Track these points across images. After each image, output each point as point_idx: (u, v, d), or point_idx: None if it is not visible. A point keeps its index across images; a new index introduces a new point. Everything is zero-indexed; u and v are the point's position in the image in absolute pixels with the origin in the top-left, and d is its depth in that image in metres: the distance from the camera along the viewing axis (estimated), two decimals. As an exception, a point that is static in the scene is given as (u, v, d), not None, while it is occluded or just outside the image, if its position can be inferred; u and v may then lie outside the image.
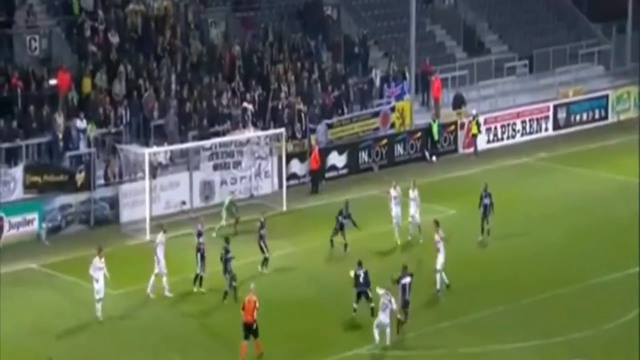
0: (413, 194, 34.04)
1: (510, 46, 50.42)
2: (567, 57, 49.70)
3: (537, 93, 48.22)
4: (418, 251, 32.93)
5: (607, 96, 48.72)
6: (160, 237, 30.14)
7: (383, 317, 26.12)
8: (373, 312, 27.46)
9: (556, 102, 47.45)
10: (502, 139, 45.78)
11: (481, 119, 44.66)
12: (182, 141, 38.06)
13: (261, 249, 31.31)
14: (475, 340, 26.90)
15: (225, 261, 29.26)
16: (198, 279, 30.09)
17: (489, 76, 48.04)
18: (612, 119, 48.52)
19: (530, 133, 46.49)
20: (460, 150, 44.66)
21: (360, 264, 28.18)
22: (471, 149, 44.49)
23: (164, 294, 29.91)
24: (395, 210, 33.77)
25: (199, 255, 29.91)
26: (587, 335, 27.13)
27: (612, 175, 40.76)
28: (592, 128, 47.59)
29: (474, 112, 44.70)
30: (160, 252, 29.82)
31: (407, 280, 27.32)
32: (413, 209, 33.79)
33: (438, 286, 29.76)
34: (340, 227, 33.00)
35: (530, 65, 49.48)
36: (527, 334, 27.19)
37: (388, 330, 26.11)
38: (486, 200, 33.60)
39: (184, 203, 36.38)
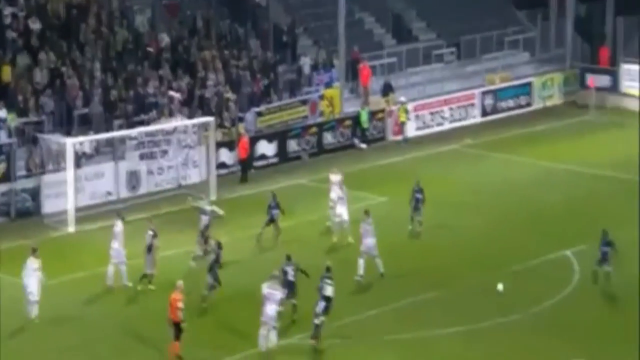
0: (342, 192, 32.70)
1: (438, 33, 49.78)
2: (493, 44, 49.24)
3: (465, 80, 47.69)
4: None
5: (532, 83, 48.39)
6: (118, 225, 28.79)
7: (270, 309, 24.26)
8: (295, 309, 26.45)
9: (483, 89, 47.01)
10: (431, 126, 45.16)
11: (410, 106, 44.02)
12: (107, 130, 36.59)
13: (204, 241, 29.96)
14: (403, 327, 26.22)
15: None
16: (147, 277, 28.57)
17: (417, 63, 47.39)
18: (537, 105, 48.23)
19: (459, 120, 45.98)
20: (390, 137, 43.89)
21: (289, 259, 27.02)
22: (400, 137, 43.81)
23: (123, 283, 28.56)
24: (340, 209, 32.02)
25: (149, 254, 28.42)
26: (513, 319, 26.66)
27: (538, 161, 40.36)
28: (518, 114, 47.27)
29: (402, 99, 43.99)
30: (118, 241, 28.49)
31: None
32: (341, 208, 32.26)
33: (361, 272, 28.91)
34: (271, 220, 31.91)
35: (458, 52, 48.89)
36: (455, 319, 26.61)
37: (275, 324, 24.52)
38: (418, 195, 32.69)
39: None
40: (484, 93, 46.89)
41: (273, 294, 24.40)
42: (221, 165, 38.37)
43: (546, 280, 29.13)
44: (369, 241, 29.16)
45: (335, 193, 32.63)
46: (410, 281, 29.10)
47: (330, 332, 25.41)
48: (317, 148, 41.69)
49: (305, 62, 44.16)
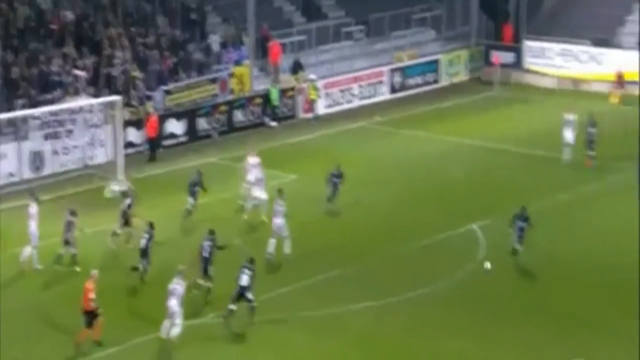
0: (260, 174, 31.67)
1: (347, 11, 49.15)
2: (401, 22, 48.83)
3: (374, 57, 47.23)
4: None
5: (439, 60, 48.17)
6: (33, 207, 27.60)
7: (172, 305, 23.35)
8: (210, 291, 25.71)
9: (392, 67, 46.62)
10: (341, 103, 44.61)
11: (320, 84, 43.43)
12: (9, 110, 35.03)
13: (125, 222, 28.82)
14: (316, 304, 25.69)
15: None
16: (62, 257, 27.56)
17: (326, 41, 46.71)
18: (444, 82, 48.08)
19: (368, 97, 45.50)
20: (300, 115, 43.25)
21: (211, 233, 26.23)
22: (310, 114, 43.18)
23: (33, 266, 27.45)
24: (258, 192, 31.11)
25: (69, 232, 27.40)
26: (422, 293, 26.39)
27: (445, 136, 40.12)
28: (426, 91, 47.05)
29: (312, 77, 43.37)
30: (33, 223, 27.33)
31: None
32: (259, 190, 31.28)
33: (271, 249, 28.27)
34: (192, 194, 30.94)
35: (367, 30, 48.37)
36: (367, 295, 26.20)
37: (178, 321, 23.48)
38: (336, 180, 31.91)
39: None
40: (393, 70, 46.58)
41: (176, 288, 23.56)
42: (129, 145, 37.24)
43: (454, 254, 28.92)
44: (279, 222, 28.48)
45: (253, 175, 31.78)
46: (322, 258, 28.55)
47: (243, 311, 24.71)
48: (227, 126, 40.80)
49: (214, 40, 43.17)
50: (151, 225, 26.96)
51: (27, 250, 27.51)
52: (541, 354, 23.28)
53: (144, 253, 26.56)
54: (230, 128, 40.80)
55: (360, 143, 39.85)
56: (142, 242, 26.69)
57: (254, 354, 23.63)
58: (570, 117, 35.16)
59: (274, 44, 43.89)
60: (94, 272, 23.89)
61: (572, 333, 24.25)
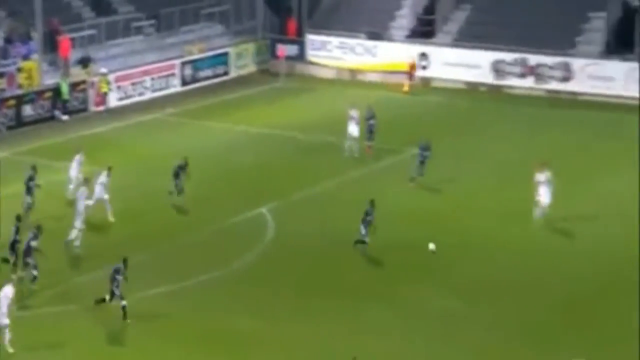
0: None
1: (137, 7, 47.91)
2: (190, 17, 48.16)
3: (165, 51, 46.27)
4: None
5: (228, 53, 47.85)
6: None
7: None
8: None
9: (182, 60, 45.93)
10: (133, 96, 43.52)
11: (111, 77, 42.19)
12: None
13: None
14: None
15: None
16: None
17: (117, 36, 45.33)
18: (233, 74, 47.79)
19: (160, 89, 44.64)
20: (92, 108, 41.86)
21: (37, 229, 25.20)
22: (102, 107, 41.89)
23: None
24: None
25: None
26: (214, 276, 26.16)
27: (235, 126, 39.86)
28: (216, 83, 46.61)
29: (103, 70, 42.06)
30: None
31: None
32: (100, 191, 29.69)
33: (73, 236, 27.48)
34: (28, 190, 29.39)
35: (157, 24, 47.37)
36: (159, 280, 25.71)
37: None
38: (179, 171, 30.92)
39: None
40: (183, 63, 45.91)
41: (6, 296, 22.19)
42: None
43: (245, 237, 28.77)
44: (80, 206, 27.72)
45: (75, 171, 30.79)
46: (120, 247, 27.37)
47: (44, 299, 23.96)
48: (15, 121, 38.97)
49: (0, 35, 41.17)
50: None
51: None
52: (331, 326, 23.48)
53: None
54: (19, 122, 39.03)
55: (153, 134, 39.03)
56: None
57: (43, 340, 22.68)
58: (354, 112, 35.41)
59: (64, 39, 42.34)
60: None
61: (358, 305, 24.58)
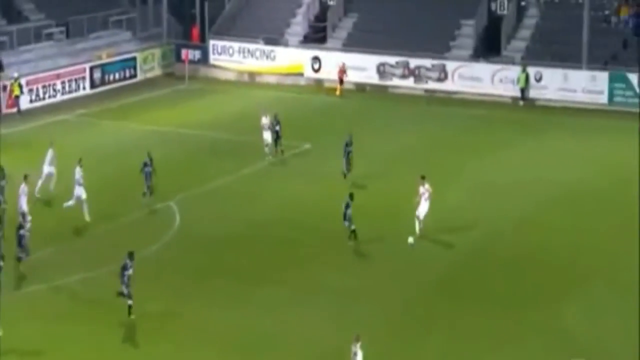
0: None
1: (47, 14, 47.72)
2: (99, 24, 48.19)
3: (75, 56, 46.24)
4: None
5: (135, 57, 47.95)
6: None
7: None
8: None
9: (92, 64, 45.90)
10: (44, 98, 43.41)
11: (23, 81, 42.01)
12: None
13: None
14: (36, 278, 25.29)
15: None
16: None
17: (28, 42, 45.30)
18: (140, 76, 47.92)
19: (70, 92, 44.58)
20: (4, 110, 41.51)
21: None
22: (14, 109, 41.63)
23: None
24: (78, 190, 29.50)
25: None
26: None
27: (142, 125, 40.02)
28: (125, 85, 46.68)
29: (15, 74, 41.86)
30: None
31: None
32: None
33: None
34: None
35: (67, 31, 47.29)
36: (79, 268, 26.12)
37: None
38: (147, 169, 31.00)
39: None
40: (93, 67, 45.87)
41: None
42: None
43: (154, 227, 29.14)
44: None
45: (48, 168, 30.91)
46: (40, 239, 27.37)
47: None
48: None
49: None
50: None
51: None
52: (227, 304, 24.13)
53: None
54: None
55: (65, 134, 38.74)
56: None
57: None
58: (265, 120, 35.59)
59: (-24, 45, 42.11)
60: None
61: (251, 287, 25.28)
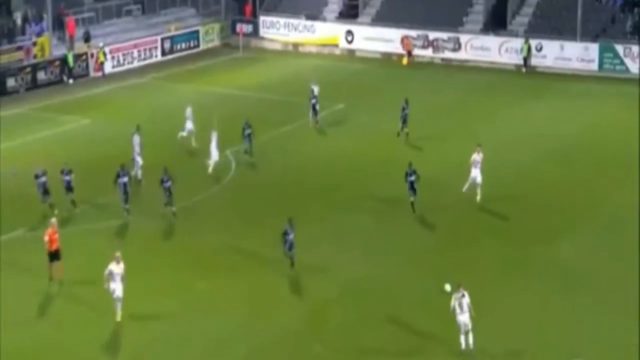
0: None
1: (126, -8, 46.69)
2: (169, 2, 47.00)
3: (149, 29, 45.05)
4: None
5: (198, 30, 46.69)
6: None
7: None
8: None
9: (162, 36, 44.72)
10: (124, 64, 42.30)
11: (107, 50, 41.07)
12: None
13: None
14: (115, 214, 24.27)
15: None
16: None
17: (111, 17, 44.32)
18: (202, 46, 46.62)
19: (144, 59, 43.44)
20: (92, 74, 40.65)
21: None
22: (100, 73, 40.77)
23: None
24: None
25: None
26: (196, 200, 25.32)
27: (204, 87, 38.92)
28: (189, 54, 45.40)
29: (101, 44, 40.97)
30: None
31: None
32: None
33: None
34: None
35: (143, 8, 46.13)
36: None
37: None
38: (247, 131, 29.32)
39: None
40: (163, 38, 44.71)
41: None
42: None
43: (217, 172, 27.85)
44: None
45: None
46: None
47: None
48: (31, 84, 37.81)
49: (18, 17, 39.72)
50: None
51: None
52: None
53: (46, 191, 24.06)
54: (35, 85, 37.87)
55: (141, 94, 38.05)
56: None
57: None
58: (314, 87, 33.94)
59: (69, 19, 41.11)
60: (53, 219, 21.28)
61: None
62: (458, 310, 17.90)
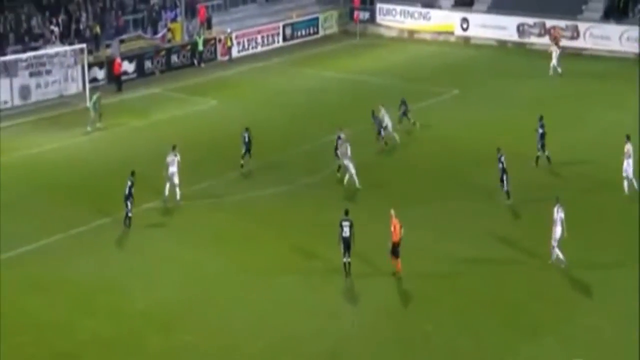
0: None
1: (249, -15, 47.27)
2: (290, -9, 47.57)
3: (271, 16, 45.52)
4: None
5: (318, 18, 46.76)
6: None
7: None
8: None
9: (284, 23, 45.06)
10: (248, 49, 42.92)
11: (233, 35, 41.76)
12: (3, 55, 32.78)
13: None
14: (240, 189, 24.73)
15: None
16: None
17: (238, 4, 45.10)
18: (321, 33, 46.68)
19: (267, 44, 43.93)
20: (219, 58, 41.45)
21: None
22: (227, 57, 41.49)
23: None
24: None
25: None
26: (307, 182, 25.55)
27: (322, 72, 38.99)
28: (309, 40, 45.55)
29: (228, 30, 41.68)
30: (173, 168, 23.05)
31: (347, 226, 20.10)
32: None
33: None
34: None
35: (267, -4, 46.92)
36: (275, 183, 25.43)
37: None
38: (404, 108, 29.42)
39: None
40: (285, 25, 45.02)
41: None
42: (93, 80, 35.22)
43: (328, 155, 27.40)
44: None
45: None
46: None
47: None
48: (166, 66, 38.90)
49: (155, 4, 40.90)
50: (132, 173, 22.45)
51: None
52: (382, 217, 22.38)
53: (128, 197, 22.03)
54: (169, 67, 38.94)
55: (264, 77, 38.49)
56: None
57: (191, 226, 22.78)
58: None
59: (201, 7, 42.00)
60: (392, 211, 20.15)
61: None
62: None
